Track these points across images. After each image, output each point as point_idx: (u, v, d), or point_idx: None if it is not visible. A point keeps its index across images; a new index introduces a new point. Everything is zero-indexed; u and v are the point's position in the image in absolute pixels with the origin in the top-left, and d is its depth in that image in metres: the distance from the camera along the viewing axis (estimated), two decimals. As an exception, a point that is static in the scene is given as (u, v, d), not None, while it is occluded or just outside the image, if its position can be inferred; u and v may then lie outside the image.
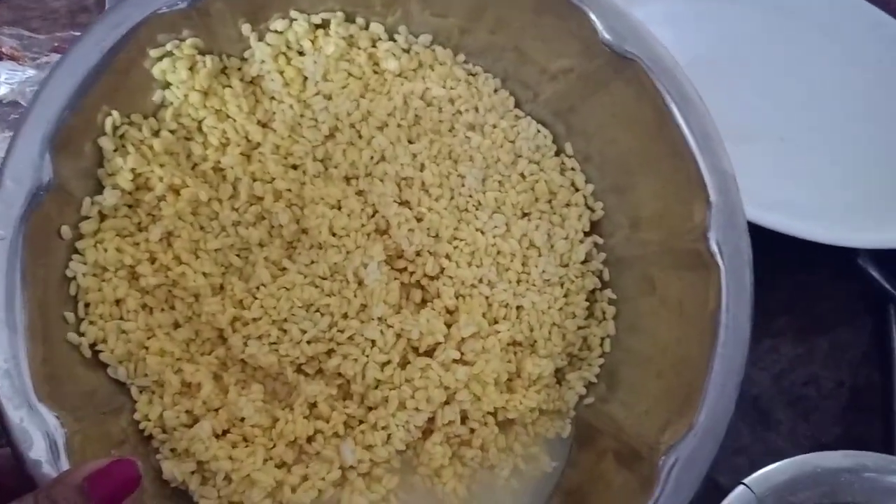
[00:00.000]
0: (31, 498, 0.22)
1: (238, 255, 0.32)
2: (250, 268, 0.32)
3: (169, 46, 0.29)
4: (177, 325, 0.31)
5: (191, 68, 0.30)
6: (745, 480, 0.31)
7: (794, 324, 0.43)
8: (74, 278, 0.28)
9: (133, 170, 0.29)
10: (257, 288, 0.31)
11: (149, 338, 0.29)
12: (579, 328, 0.34)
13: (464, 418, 0.31)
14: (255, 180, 0.32)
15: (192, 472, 0.29)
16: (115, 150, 0.29)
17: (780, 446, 0.39)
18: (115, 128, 0.29)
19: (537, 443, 0.33)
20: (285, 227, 0.32)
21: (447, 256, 0.32)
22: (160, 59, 0.29)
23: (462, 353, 0.31)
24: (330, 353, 0.31)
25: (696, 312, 0.29)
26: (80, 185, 0.28)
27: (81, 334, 0.28)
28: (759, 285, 0.39)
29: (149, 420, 0.29)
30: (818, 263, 0.43)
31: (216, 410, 0.30)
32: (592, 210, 0.34)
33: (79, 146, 0.28)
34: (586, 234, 0.34)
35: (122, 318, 0.29)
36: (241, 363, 0.31)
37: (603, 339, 0.34)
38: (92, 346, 0.29)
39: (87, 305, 0.29)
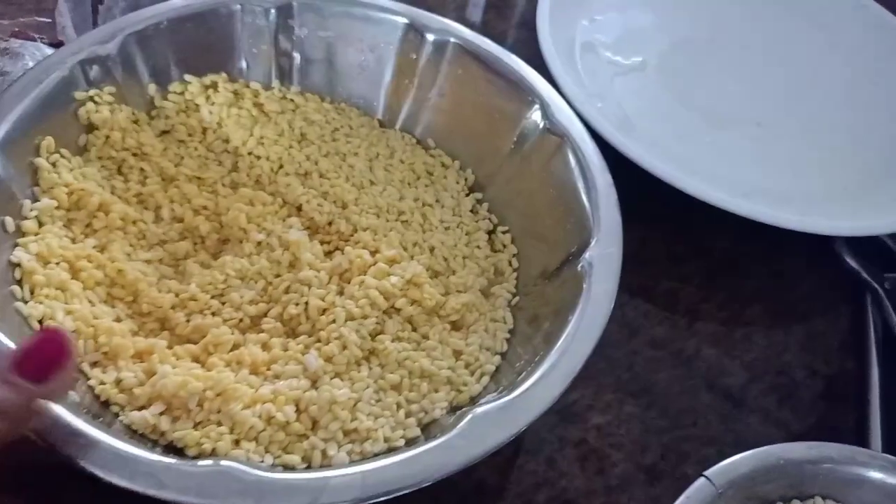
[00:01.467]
0: None
1: (168, 266, 0.35)
2: (180, 275, 0.35)
3: (91, 92, 0.36)
4: (119, 320, 0.32)
5: (111, 112, 0.36)
6: (707, 472, 0.30)
7: (767, 312, 0.43)
8: (20, 265, 0.30)
9: (68, 185, 0.33)
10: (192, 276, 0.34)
11: (95, 317, 0.31)
12: (487, 257, 0.38)
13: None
14: (173, 202, 0.36)
15: (161, 413, 0.28)
16: (49, 170, 0.33)
17: (752, 437, 0.38)
18: (49, 154, 0.34)
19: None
20: (207, 237, 0.36)
21: (357, 217, 0.37)
22: (84, 102, 0.35)
23: (390, 267, 0.34)
24: (270, 310, 0.33)
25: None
26: (21, 189, 0.32)
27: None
28: (734, 274, 0.44)
29: (104, 384, 0.29)
30: (793, 252, 0.44)
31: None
32: (466, 178, 0.41)
33: (21, 158, 0.32)
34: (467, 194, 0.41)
35: (66, 302, 0.30)
36: (187, 343, 0.32)
37: (510, 260, 0.38)
38: (40, 322, 0.29)
39: (32, 290, 0.30)
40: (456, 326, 0.35)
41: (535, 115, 0.38)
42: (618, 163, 0.39)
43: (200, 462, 0.25)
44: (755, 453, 0.31)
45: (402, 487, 0.25)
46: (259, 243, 0.35)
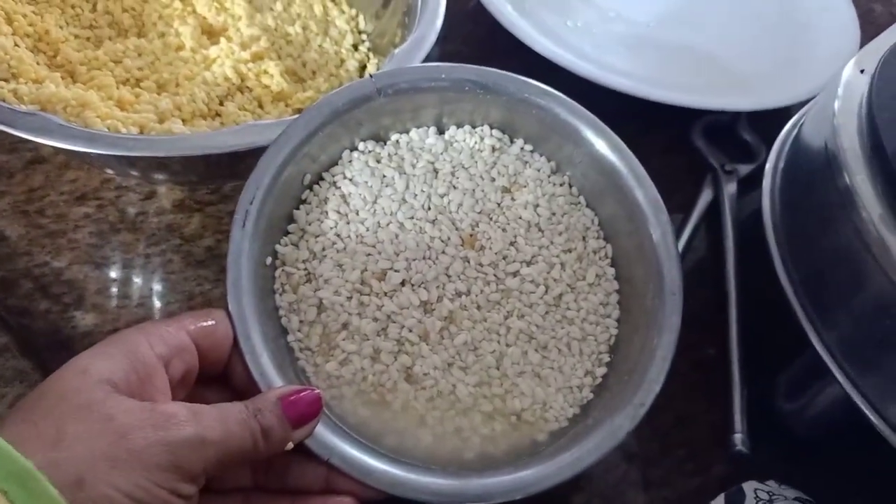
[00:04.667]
0: (243, 406, 0.26)
1: (91, 44, 0.44)
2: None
3: None
4: (37, 63, 0.41)
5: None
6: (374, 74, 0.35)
7: None
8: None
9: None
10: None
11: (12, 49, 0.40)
12: (352, 80, 0.46)
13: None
14: (108, 0, 0.46)
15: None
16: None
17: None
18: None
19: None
20: (129, 30, 0.45)
21: (245, 28, 0.45)
22: None
23: (252, 60, 0.42)
24: (152, 76, 0.42)
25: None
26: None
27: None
28: None
29: (2, 89, 0.38)
30: (653, 137, 0.47)
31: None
32: (357, 23, 0.49)
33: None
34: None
35: (-7, 35, 0.40)
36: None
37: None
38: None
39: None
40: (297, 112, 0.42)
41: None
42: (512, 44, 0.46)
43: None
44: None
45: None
46: (162, 34, 0.44)
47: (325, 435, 0.29)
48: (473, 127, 0.38)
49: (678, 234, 0.45)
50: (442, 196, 0.36)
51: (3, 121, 0.32)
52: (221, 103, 0.41)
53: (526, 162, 0.38)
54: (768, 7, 0.58)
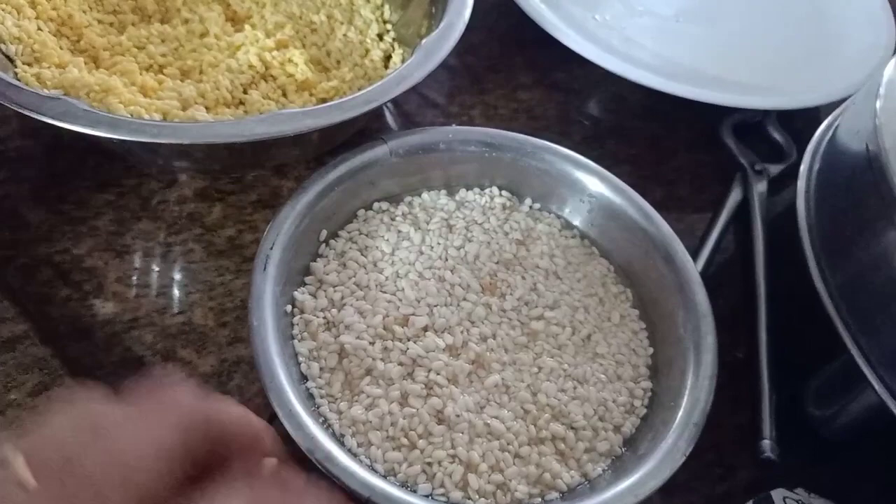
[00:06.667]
0: None
1: (114, 29, 0.44)
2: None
3: None
4: (60, 48, 0.41)
5: None
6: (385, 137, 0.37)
7: (635, 175, 0.44)
8: (-13, -18, 0.40)
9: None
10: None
11: (35, 33, 0.40)
12: (377, 70, 0.45)
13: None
14: (133, -15, 0.45)
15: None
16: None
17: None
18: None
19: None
20: (153, 15, 0.44)
21: (270, 15, 0.44)
22: None
23: (277, 48, 0.42)
24: (176, 63, 0.41)
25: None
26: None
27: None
28: (614, 139, 0.49)
29: (26, 73, 0.38)
30: (682, 132, 0.49)
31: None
32: (383, 13, 0.48)
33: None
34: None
35: (17, 20, 0.40)
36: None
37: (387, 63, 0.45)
38: (-8, 24, 0.39)
39: (-7, 4, 0.39)
40: (322, 102, 0.42)
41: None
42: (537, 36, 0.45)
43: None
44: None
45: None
46: (186, 20, 0.43)
47: (362, 474, 0.28)
48: (482, 189, 0.39)
49: (706, 233, 0.44)
50: (458, 248, 0.36)
51: (28, 105, 0.32)
52: (245, 91, 0.40)
53: (536, 218, 0.39)
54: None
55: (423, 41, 0.39)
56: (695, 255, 0.43)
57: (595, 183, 0.38)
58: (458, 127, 0.39)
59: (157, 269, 0.39)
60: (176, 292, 0.38)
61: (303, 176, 0.43)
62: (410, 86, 0.36)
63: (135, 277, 0.38)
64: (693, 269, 0.35)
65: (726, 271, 0.45)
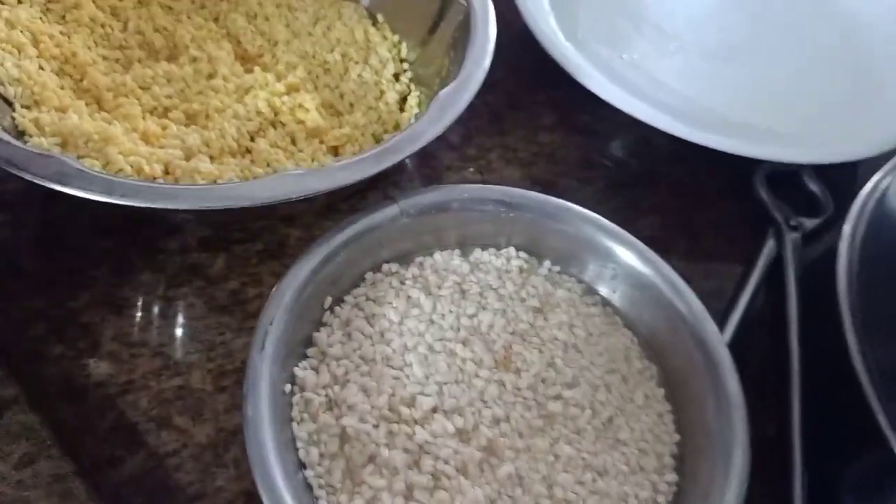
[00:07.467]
0: None
1: (119, 65, 0.42)
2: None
3: None
4: (62, 87, 0.39)
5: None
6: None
7: (662, 225, 0.45)
8: (-11, 22, 0.38)
9: (50, -22, 0.41)
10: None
11: (37, 74, 0.38)
12: (391, 113, 0.43)
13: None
14: (140, 19, 0.43)
15: (57, 145, 0.35)
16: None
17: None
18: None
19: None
20: (160, 51, 0.43)
21: (282, 54, 0.43)
22: None
23: (288, 93, 0.40)
24: (181, 105, 0.40)
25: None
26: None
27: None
28: (638, 186, 0.46)
29: (24, 118, 0.36)
30: (711, 180, 0.46)
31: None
32: (399, 51, 0.46)
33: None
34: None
35: (19, 60, 0.38)
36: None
37: (410, 115, 0.43)
38: (-9, 64, 0.37)
39: (-6, 42, 0.38)
40: (335, 152, 0.40)
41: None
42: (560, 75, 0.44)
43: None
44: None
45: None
46: (194, 58, 0.42)
47: None
48: (498, 249, 0.37)
49: (735, 296, 0.42)
50: (471, 317, 0.34)
51: (19, 163, 0.30)
52: (252, 139, 0.38)
53: (556, 283, 0.36)
54: (831, 40, 0.55)
55: (440, 93, 0.37)
56: (723, 318, 0.40)
57: (621, 250, 0.35)
58: (474, 185, 0.37)
59: (155, 325, 0.37)
60: (174, 352, 0.36)
61: (311, 224, 0.41)
62: (424, 144, 0.34)
63: (132, 335, 0.36)
64: (726, 353, 0.32)
65: (755, 334, 0.42)
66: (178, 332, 0.37)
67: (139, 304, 0.37)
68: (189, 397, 0.35)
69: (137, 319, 0.37)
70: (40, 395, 0.33)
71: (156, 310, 0.37)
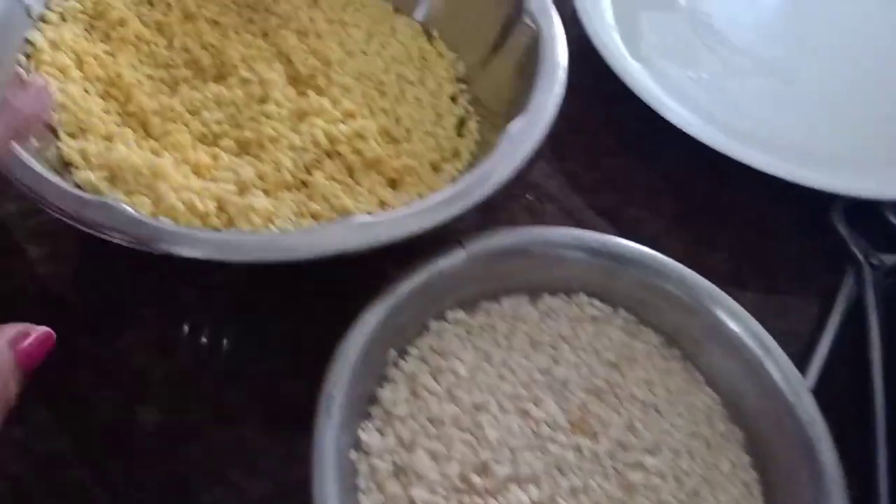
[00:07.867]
0: None
1: (166, 86, 0.40)
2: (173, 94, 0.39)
3: None
4: (106, 112, 0.37)
5: None
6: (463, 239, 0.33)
7: (732, 260, 0.43)
8: (34, 43, 0.36)
9: (95, -3, 0.39)
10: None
11: (82, 99, 0.36)
12: (449, 139, 0.40)
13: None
14: (186, 36, 0.41)
15: (105, 179, 0.33)
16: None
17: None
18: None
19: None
20: (207, 70, 0.40)
21: (336, 75, 0.40)
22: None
23: (345, 119, 0.37)
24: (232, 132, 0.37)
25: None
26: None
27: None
28: (708, 218, 0.43)
29: (70, 148, 0.34)
30: (785, 212, 0.44)
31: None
32: (457, 69, 0.43)
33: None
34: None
35: (62, 83, 0.36)
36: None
37: (470, 146, 0.40)
38: (35, 89, 0.35)
39: (36, 66, 0.36)
40: (393, 185, 0.37)
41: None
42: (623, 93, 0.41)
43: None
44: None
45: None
46: (245, 80, 0.39)
47: None
48: (568, 294, 0.34)
49: (814, 340, 0.39)
50: (544, 372, 0.31)
51: (70, 211, 0.28)
52: (308, 171, 0.36)
53: (633, 334, 0.34)
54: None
55: (511, 127, 0.34)
56: (801, 362, 0.38)
57: (706, 302, 0.33)
58: (546, 228, 0.35)
59: (204, 368, 0.35)
60: (225, 398, 0.34)
61: (365, 256, 0.39)
62: (497, 187, 0.32)
63: (180, 378, 0.34)
64: (821, 422, 0.30)
65: (835, 381, 0.40)
66: (229, 375, 0.35)
67: (188, 344, 0.35)
68: (243, 448, 0.33)
69: (187, 363, 0.35)
70: (88, 448, 0.32)
71: (205, 351, 0.35)
